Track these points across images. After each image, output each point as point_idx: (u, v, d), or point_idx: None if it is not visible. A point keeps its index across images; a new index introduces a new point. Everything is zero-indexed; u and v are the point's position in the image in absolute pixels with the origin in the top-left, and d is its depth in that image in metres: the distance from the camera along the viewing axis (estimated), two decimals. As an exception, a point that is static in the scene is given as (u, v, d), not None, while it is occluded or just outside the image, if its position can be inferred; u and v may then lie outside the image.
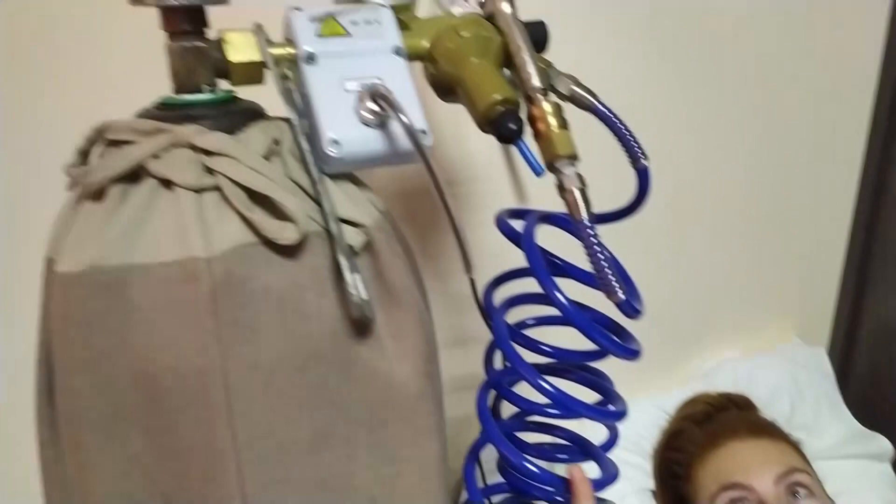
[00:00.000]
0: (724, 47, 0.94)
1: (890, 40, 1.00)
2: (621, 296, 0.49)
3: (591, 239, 0.47)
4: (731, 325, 1.08)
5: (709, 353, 1.06)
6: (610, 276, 0.48)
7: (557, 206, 0.50)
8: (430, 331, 0.49)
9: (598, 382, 0.64)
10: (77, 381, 0.40)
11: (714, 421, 0.87)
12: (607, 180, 0.54)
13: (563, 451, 0.67)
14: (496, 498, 0.66)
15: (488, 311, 0.59)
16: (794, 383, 1.02)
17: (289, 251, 0.41)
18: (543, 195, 0.53)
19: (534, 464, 0.56)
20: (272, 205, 0.40)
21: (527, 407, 0.60)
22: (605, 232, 0.49)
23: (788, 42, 0.97)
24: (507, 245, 0.56)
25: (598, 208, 0.49)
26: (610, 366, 1.02)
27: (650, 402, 1.00)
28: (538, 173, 0.48)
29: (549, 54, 0.55)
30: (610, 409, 0.60)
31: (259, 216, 0.40)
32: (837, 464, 0.96)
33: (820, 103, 1.02)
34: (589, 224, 0.47)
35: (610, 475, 0.60)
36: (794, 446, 0.86)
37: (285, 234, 0.40)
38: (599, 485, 0.58)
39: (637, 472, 0.92)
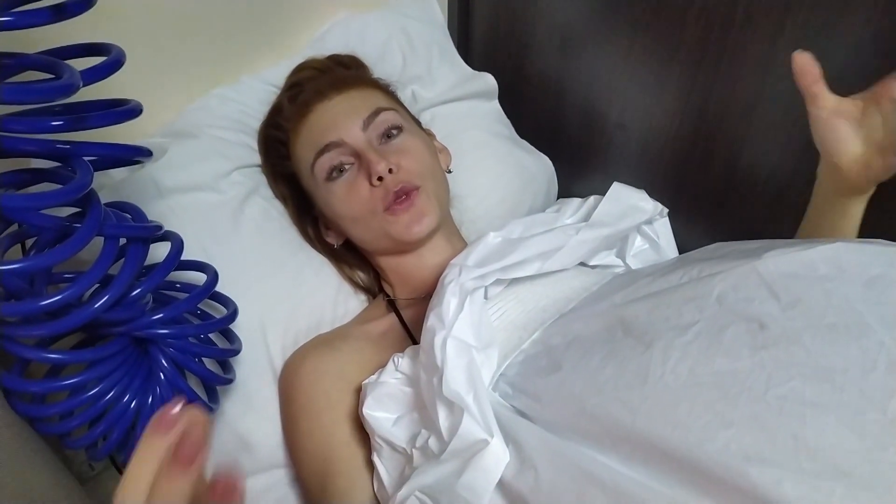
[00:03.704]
0: None
1: None
2: None
3: None
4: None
5: (319, 18, 0.96)
6: None
7: None
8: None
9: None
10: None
11: (304, 90, 0.80)
12: None
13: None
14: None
15: None
16: (405, 36, 0.97)
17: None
18: None
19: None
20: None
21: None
22: None
23: None
24: None
25: None
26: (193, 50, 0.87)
27: (258, 79, 0.89)
28: None
29: None
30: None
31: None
32: (450, 107, 0.97)
33: None
34: None
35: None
36: (384, 89, 0.83)
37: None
38: None
39: (242, 149, 0.84)
